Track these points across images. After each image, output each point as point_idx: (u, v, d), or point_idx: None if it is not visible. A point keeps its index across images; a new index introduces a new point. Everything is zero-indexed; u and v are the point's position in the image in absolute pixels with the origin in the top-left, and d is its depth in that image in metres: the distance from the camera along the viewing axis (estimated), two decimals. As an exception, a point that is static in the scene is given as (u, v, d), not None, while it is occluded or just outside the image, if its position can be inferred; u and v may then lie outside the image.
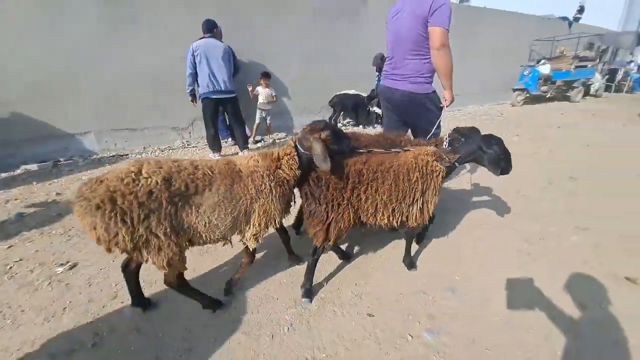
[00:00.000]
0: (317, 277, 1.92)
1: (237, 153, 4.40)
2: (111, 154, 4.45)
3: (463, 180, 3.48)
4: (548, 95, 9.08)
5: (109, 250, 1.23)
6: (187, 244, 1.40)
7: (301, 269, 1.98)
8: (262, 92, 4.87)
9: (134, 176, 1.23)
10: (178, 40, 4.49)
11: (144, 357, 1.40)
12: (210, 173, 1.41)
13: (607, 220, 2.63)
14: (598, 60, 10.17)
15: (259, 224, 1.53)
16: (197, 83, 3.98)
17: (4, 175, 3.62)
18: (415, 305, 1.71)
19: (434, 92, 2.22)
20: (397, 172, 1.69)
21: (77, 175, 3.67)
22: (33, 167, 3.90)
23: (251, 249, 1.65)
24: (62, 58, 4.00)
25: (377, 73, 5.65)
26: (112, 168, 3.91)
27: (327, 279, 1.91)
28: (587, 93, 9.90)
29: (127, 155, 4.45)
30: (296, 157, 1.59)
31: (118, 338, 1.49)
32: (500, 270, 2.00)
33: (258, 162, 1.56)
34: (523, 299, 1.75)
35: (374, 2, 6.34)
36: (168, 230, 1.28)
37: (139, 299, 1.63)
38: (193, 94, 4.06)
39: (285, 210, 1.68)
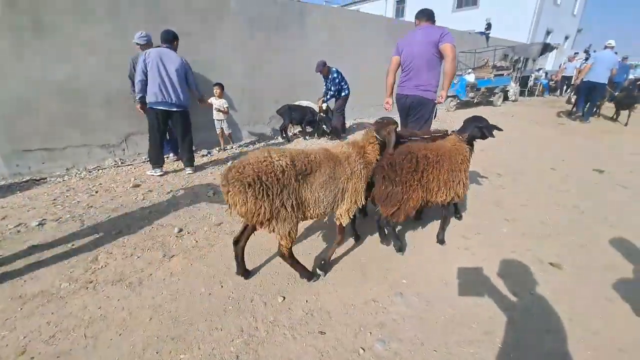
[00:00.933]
0: (269, 297, 1.82)
1: (183, 170, 4.07)
2: (24, 179, 3.81)
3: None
4: (475, 101, 10.14)
5: (250, 221, 1.58)
6: (301, 216, 1.71)
7: (247, 292, 1.86)
8: (215, 103, 4.72)
9: (269, 159, 1.53)
10: (99, 49, 4.07)
11: None
12: (318, 158, 1.73)
13: (529, 211, 2.96)
14: (512, 69, 11.65)
15: (351, 200, 1.87)
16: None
17: None
18: (367, 316, 1.70)
19: (435, 100, 3.10)
20: (449, 157, 2.13)
21: (-24, 208, 3.06)
22: None
23: (344, 224, 1.96)
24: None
25: (324, 80, 5.73)
26: (31, 194, 3.33)
27: (278, 298, 1.82)
28: (506, 98, 11.28)
29: (45, 179, 3.85)
30: (377, 144, 2.01)
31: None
32: (443, 268, 2.10)
33: (349, 149, 1.92)
34: (465, 295, 1.85)
35: (313, 15, 6.49)
36: (294, 203, 1.59)
37: (243, 269, 1.95)
38: (143, 101, 3.69)
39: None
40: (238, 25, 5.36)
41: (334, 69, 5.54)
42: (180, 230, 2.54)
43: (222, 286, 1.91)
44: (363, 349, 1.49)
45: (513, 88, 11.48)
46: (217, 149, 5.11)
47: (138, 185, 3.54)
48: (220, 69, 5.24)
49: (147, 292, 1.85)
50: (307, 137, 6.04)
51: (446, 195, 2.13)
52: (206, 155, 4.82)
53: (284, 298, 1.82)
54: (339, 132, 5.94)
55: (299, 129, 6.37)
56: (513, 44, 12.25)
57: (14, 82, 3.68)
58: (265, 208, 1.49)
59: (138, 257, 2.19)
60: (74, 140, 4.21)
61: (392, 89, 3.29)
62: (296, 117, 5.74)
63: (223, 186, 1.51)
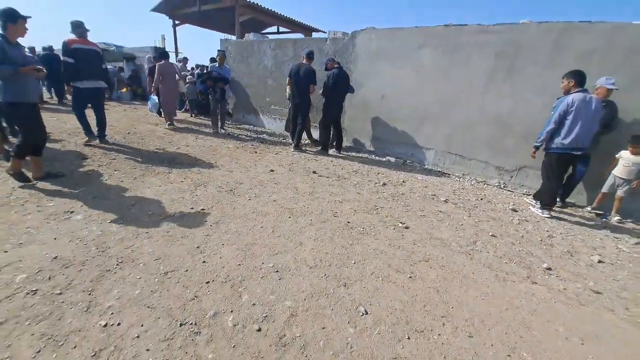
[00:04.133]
0: None
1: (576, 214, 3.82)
2: (437, 169, 5.52)
3: None
4: None
5: None
6: None
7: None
8: (626, 159, 3.72)
9: None
10: (544, 92, 4.51)
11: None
12: None
13: None
14: None
15: None
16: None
17: (377, 158, 5.71)
18: None
19: None
20: None
21: (412, 174, 4.99)
22: (392, 159, 5.78)
23: None
24: (440, 96, 5.42)
25: None
26: (441, 180, 4.87)
27: None
28: None
29: (448, 175, 5.32)
30: None
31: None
32: None
33: None
34: None
35: None
36: None
37: None
38: (538, 148, 3.89)
39: None
40: None
41: None
42: (549, 268, 2.53)
43: (583, 344, 1.75)
44: None
45: None
46: (595, 206, 4.02)
47: (515, 211, 3.85)
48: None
49: (509, 291, 2.16)
50: None
51: None
52: (586, 207, 4.04)
53: None
54: None
55: None
56: None
57: (467, 110, 5.20)
58: None
59: (505, 263, 2.54)
60: (481, 156, 5.29)
61: None
62: None
63: None
